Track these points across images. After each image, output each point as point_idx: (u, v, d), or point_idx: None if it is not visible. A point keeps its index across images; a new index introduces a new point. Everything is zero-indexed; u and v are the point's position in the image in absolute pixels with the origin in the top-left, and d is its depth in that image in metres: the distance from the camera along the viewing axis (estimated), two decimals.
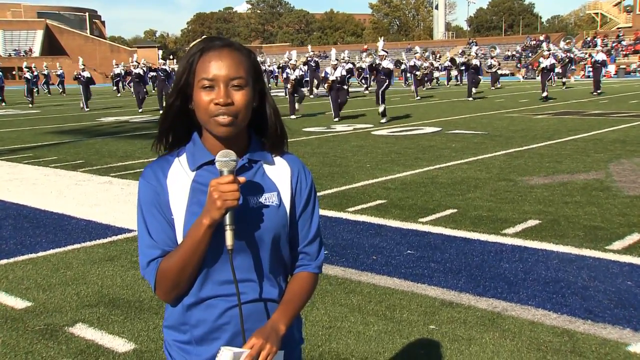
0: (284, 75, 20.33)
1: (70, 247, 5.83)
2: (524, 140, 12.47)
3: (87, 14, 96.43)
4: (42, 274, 5.09)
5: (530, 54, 59.53)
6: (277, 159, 1.72)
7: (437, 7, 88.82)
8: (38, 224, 6.77)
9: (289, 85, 20.69)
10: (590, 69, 30.60)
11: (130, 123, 19.67)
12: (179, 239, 1.61)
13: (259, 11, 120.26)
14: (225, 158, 1.53)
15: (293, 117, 19.55)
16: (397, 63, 42.60)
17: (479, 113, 19.54)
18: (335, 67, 18.81)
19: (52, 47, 79.57)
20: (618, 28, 67.95)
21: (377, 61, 18.49)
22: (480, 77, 28.71)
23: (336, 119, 18.32)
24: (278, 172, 1.70)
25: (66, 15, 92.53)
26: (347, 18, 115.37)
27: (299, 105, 20.46)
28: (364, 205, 7.15)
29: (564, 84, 33.48)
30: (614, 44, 57.59)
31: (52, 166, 10.76)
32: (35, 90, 42.01)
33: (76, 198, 8.03)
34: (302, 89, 20.46)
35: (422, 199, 7.41)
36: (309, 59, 31.88)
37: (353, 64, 33.75)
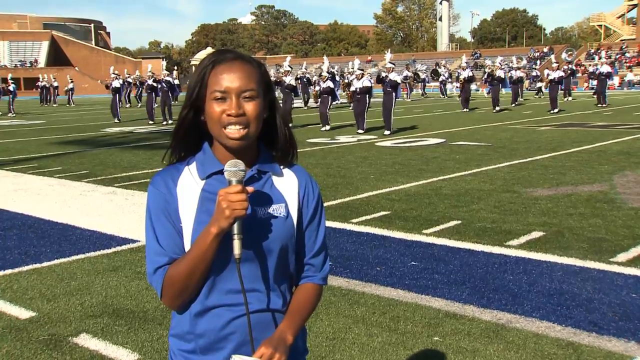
0: (314, 87, 19.93)
1: (74, 258, 5.84)
2: (528, 152, 12.48)
3: (92, 25, 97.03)
4: (46, 284, 5.10)
5: (534, 65, 59.62)
6: (285, 171, 1.74)
7: (440, 19, 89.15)
8: (42, 234, 6.78)
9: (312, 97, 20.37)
10: (595, 81, 30.49)
11: (135, 134, 19.74)
12: (187, 247, 1.62)
13: (263, 22, 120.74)
14: (233, 168, 1.54)
15: (327, 128, 19.10)
16: (435, 73, 42.16)
17: (483, 125, 19.56)
18: (359, 77, 18.32)
19: (57, 58, 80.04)
20: (622, 40, 68.04)
21: (384, 73, 18.24)
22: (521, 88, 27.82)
23: (360, 131, 17.91)
24: (286, 184, 1.71)
25: (72, 27, 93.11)
26: (351, 29, 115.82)
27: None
28: (368, 217, 7.15)
29: (569, 94, 33.42)
30: (617, 56, 57.65)
31: (57, 176, 10.79)
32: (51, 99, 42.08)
33: (80, 208, 8.05)
34: (333, 101, 19.84)
35: (426, 211, 7.40)
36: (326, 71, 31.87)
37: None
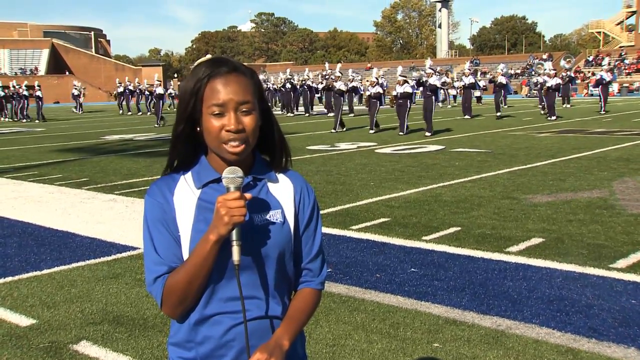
0: (367, 92, 21.25)
1: (74, 265, 5.85)
2: (528, 159, 12.49)
3: (92, 33, 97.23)
4: (46, 291, 5.10)
5: (532, 72, 59.72)
6: (281, 177, 1.75)
7: (440, 26, 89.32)
8: (43, 241, 6.79)
9: (364, 101, 22.06)
10: (597, 88, 30.36)
11: (135, 141, 19.76)
12: (185, 256, 1.62)
13: (263, 30, 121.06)
14: (232, 175, 1.55)
15: (372, 131, 20.16)
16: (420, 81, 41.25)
17: (483, 131, 19.58)
18: (401, 83, 19.35)
19: (57, 65, 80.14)
20: (620, 47, 68.20)
21: (424, 78, 19.65)
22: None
23: (401, 134, 18.98)
24: (281, 190, 1.72)
25: (72, 35, 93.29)
26: (351, 37, 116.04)
27: (341, 126, 21.36)
28: (368, 223, 7.16)
29: (568, 101, 33.41)
30: (616, 63, 57.75)
31: (57, 184, 10.80)
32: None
33: (81, 216, 8.06)
34: (381, 106, 21.13)
35: (426, 217, 7.41)
36: (326, 77, 32.08)
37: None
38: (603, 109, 27.27)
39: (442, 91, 23.58)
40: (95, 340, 4.07)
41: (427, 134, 18.44)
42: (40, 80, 52.16)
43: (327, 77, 32.12)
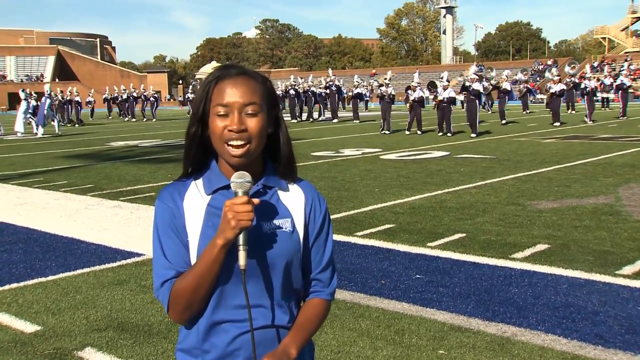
0: (411, 98, 22.65)
1: (79, 271, 5.85)
2: (533, 165, 12.46)
3: (98, 39, 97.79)
4: (51, 297, 5.11)
5: (538, 78, 59.73)
6: (292, 186, 1.74)
7: (444, 32, 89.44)
8: (48, 248, 6.80)
9: (407, 105, 23.74)
10: (613, 94, 30.37)
11: (140, 147, 19.80)
12: (193, 262, 1.62)
13: (267, 36, 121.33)
14: (240, 179, 1.55)
15: (410, 132, 21.81)
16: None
17: (487, 137, 19.56)
18: (445, 88, 21.43)
19: (63, 72, 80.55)
20: (626, 52, 68.12)
21: (467, 83, 21.26)
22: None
23: (440, 134, 20.89)
24: (292, 199, 1.71)
25: (77, 41, 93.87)
26: (356, 43, 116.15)
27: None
28: (373, 230, 7.15)
29: (573, 107, 33.31)
30: (622, 69, 57.65)
31: (62, 190, 10.83)
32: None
33: (86, 222, 8.07)
34: (422, 109, 22.56)
35: (431, 224, 7.40)
36: (329, 83, 32.17)
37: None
38: (623, 113, 27.16)
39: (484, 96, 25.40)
40: (100, 347, 4.07)
41: (473, 135, 19.85)
42: (119, 84, 52.14)
43: (329, 83, 32.28)
